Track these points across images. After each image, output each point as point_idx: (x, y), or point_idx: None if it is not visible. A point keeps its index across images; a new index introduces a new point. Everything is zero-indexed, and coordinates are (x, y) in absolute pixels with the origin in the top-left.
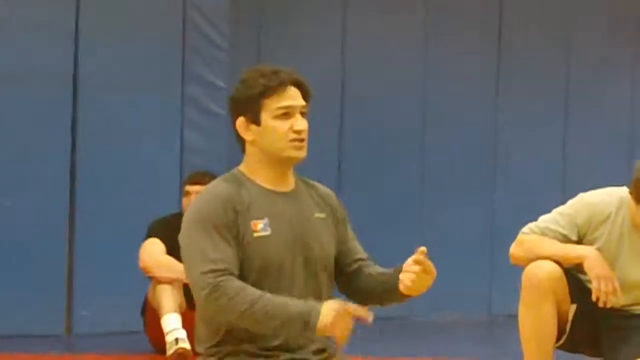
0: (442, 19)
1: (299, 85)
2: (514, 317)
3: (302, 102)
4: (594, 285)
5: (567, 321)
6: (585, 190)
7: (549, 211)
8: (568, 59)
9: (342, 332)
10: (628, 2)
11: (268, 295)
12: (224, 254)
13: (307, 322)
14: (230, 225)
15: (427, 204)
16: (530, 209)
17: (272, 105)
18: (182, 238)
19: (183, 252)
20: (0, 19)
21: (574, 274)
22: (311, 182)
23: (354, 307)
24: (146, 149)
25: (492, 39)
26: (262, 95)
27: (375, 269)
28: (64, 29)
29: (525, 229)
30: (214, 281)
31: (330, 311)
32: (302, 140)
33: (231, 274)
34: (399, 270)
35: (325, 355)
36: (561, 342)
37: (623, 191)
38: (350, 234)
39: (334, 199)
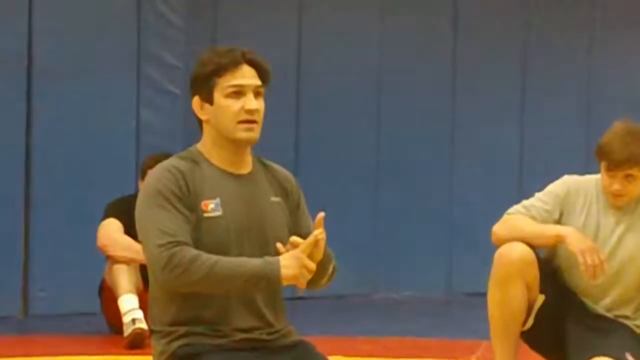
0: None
1: (254, 64)
2: (473, 295)
3: (257, 82)
4: (579, 260)
5: (532, 309)
6: (542, 172)
7: (505, 183)
8: (526, 36)
9: (305, 278)
10: None
11: (223, 258)
12: (178, 227)
13: (267, 276)
14: (184, 199)
15: (384, 185)
16: (488, 184)
17: (224, 84)
18: (138, 212)
19: (139, 227)
20: None
21: (548, 263)
22: (270, 164)
23: (305, 246)
24: (102, 129)
25: (447, 16)
26: (215, 73)
27: None
28: (17, 9)
29: (511, 209)
30: (169, 252)
31: (291, 262)
32: (252, 121)
33: (186, 244)
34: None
35: (277, 335)
36: (528, 325)
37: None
38: (305, 219)
39: (291, 182)
